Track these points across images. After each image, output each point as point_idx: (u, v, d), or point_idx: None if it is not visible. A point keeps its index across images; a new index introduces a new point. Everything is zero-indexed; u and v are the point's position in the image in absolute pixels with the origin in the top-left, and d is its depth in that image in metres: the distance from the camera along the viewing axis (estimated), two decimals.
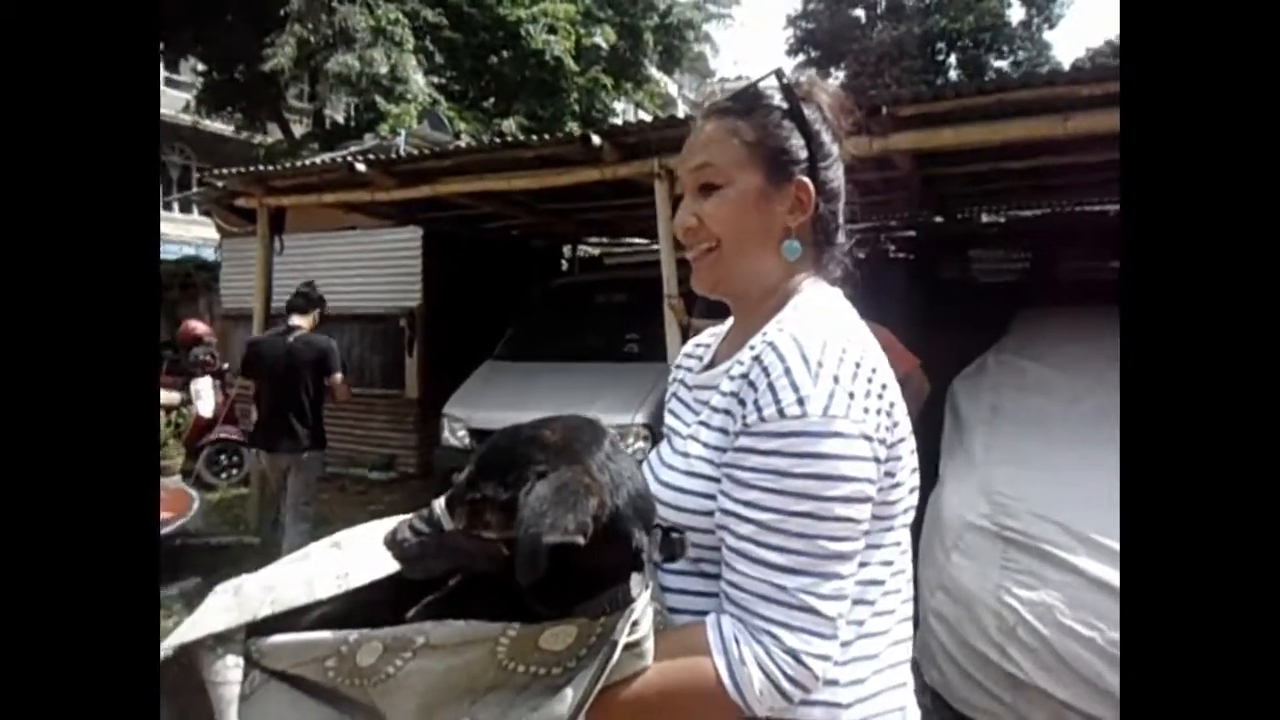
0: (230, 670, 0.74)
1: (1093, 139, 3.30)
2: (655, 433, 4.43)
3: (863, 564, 0.78)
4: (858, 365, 0.77)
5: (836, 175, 0.91)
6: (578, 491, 0.69)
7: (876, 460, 0.76)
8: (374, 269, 7.31)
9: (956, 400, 3.53)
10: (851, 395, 0.75)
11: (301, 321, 4.18)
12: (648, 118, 4.79)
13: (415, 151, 5.03)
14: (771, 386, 0.76)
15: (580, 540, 0.66)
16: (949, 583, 2.57)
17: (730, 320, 0.98)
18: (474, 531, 0.73)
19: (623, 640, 0.72)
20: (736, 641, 0.74)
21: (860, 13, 22.41)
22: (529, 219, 6.31)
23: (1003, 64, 21.07)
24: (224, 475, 6.80)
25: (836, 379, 0.75)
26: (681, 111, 15.22)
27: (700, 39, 17.76)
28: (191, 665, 0.75)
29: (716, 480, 0.81)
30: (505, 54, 13.68)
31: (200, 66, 14.03)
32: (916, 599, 1.14)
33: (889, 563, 0.83)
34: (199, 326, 7.80)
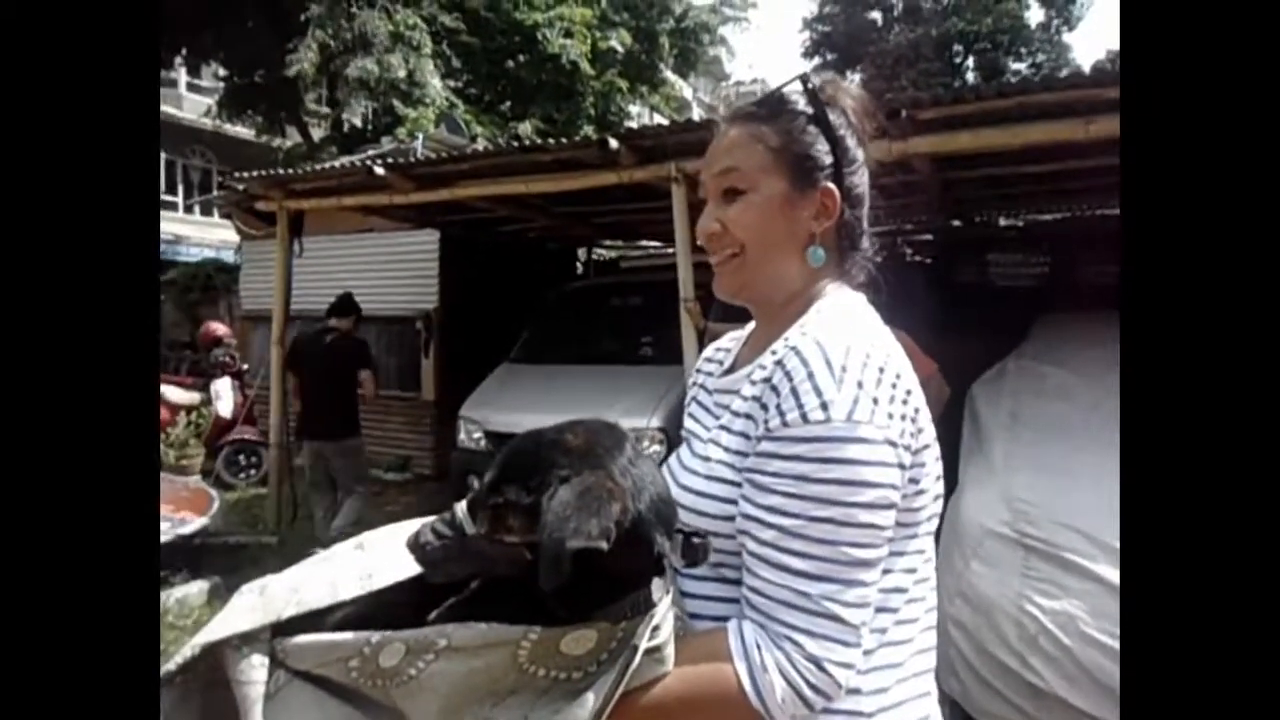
0: (255, 670, 0.74)
1: (1116, 142, 3.26)
2: (671, 436, 4.42)
3: (886, 571, 0.78)
4: (882, 370, 0.77)
5: (861, 181, 0.90)
6: (601, 496, 0.69)
7: (901, 466, 0.76)
8: (391, 271, 7.37)
9: (976, 406, 3.49)
10: (876, 400, 0.75)
11: (340, 324, 4.65)
12: (663, 121, 4.80)
13: (433, 155, 5.06)
14: (795, 391, 0.76)
15: (604, 545, 0.66)
16: (968, 590, 2.55)
17: (751, 324, 0.98)
18: (496, 536, 0.73)
19: (644, 645, 0.72)
20: (758, 648, 0.74)
21: (877, 15, 22.31)
22: (545, 222, 6.33)
23: (1021, 66, 20.89)
24: (243, 475, 6.87)
25: (860, 384, 0.75)
26: (697, 115, 15.23)
27: (716, 42, 17.76)
28: (218, 664, 0.76)
29: (737, 485, 0.80)
30: (522, 58, 13.75)
31: (222, 71, 14.20)
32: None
33: (912, 570, 0.82)
34: (219, 328, 7.89)
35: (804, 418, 0.74)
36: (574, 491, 0.69)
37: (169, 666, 0.77)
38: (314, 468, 4.64)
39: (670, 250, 5.46)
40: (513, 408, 5.03)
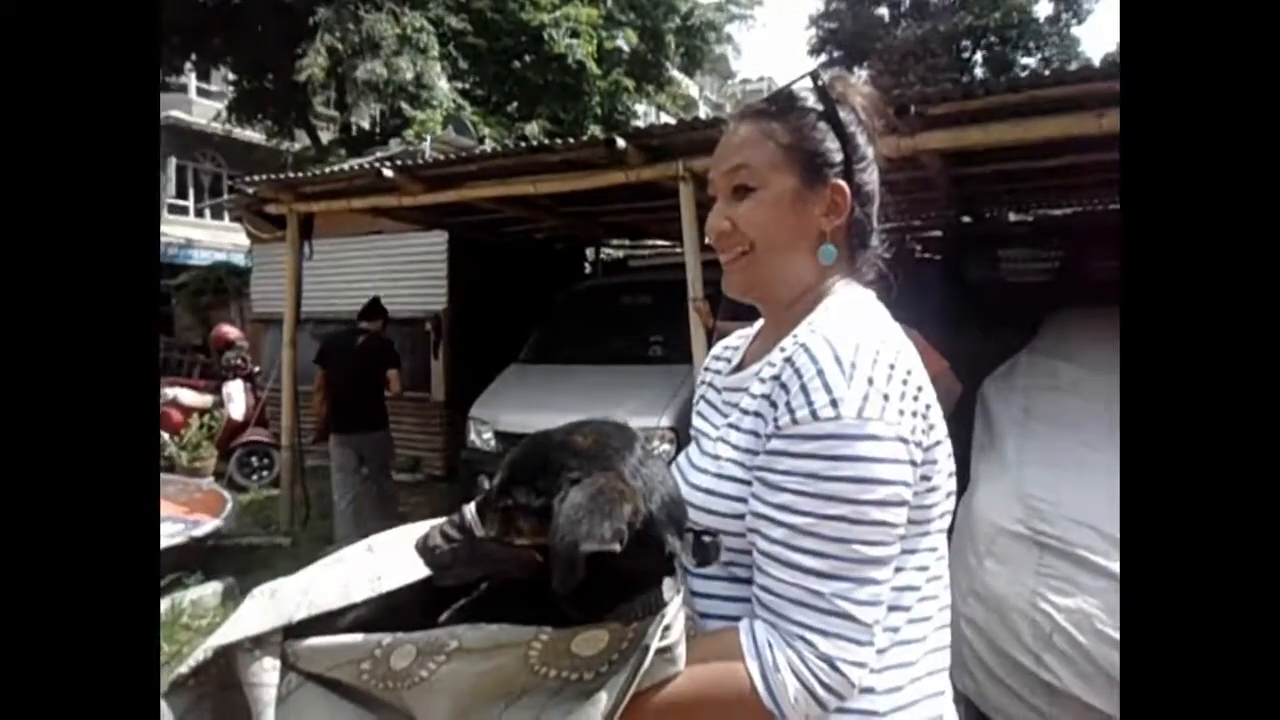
0: (267, 672, 0.74)
1: None
2: (681, 436, 4.42)
3: (899, 569, 0.77)
4: (892, 367, 0.76)
5: (872, 178, 0.90)
6: (613, 499, 0.69)
7: (912, 463, 0.75)
8: (400, 273, 7.39)
9: (988, 402, 3.47)
10: (886, 397, 0.74)
11: (370, 326, 4.98)
12: (670, 120, 4.80)
13: (441, 157, 5.08)
14: (804, 388, 0.75)
15: (617, 548, 0.66)
16: (982, 588, 2.53)
17: (760, 322, 0.97)
18: (506, 538, 0.73)
19: (655, 645, 0.72)
20: (770, 647, 0.73)
21: (884, 11, 22.21)
22: (553, 223, 6.34)
23: (1030, 61, 20.75)
24: (255, 477, 6.92)
25: (871, 380, 0.74)
26: (704, 113, 15.20)
27: (722, 40, 17.73)
28: (230, 667, 0.76)
29: (747, 483, 0.80)
30: (528, 58, 13.78)
31: (231, 76, 14.29)
32: None
33: (925, 568, 0.81)
34: (230, 331, 7.94)
35: (814, 415, 0.74)
36: (585, 493, 0.69)
37: (181, 669, 0.77)
38: (343, 460, 4.84)
39: (678, 249, 5.46)
40: (522, 408, 5.04)
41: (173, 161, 18.48)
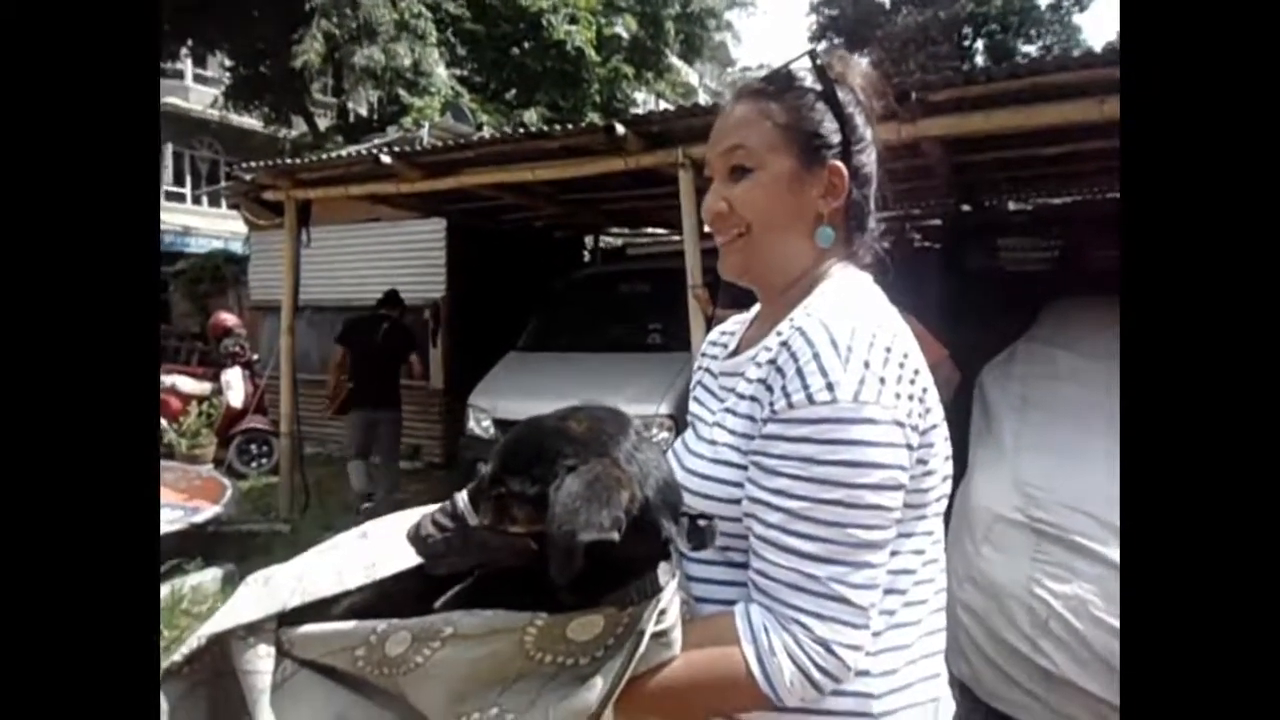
0: (262, 660, 0.74)
1: None
2: (680, 423, 4.42)
3: (894, 553, 0.77)
4: (888, 350, 0.76)
5: (869, 160, 0.89)
6: (610, 486, 0.68)
7: (909, 447, 0.75)
8: (399, 261, 7.37)
9: (985, 390, 3.47)
10: (883, 380, 0.74)
11: (391, 312, 5.42)
12: (669, 107, 4.77)
13: (440, 143, 5.05)
14: (800, 372, 0.75)
15: (615, 537, 0.66)
16: (978, 575, 2.54)
17: (756, 307, 0.97)
18: (500, 526, 0.73)
19: (650, 629, 0.72)
20: (766, 631, 0.73)
21: None
22: (552, 210, 6.31)
23: (1031, 49, 20.62)
24: (254, 464, 6.93)
25: (867, 364, 0.74)
26: (703, 101, 15.11)
27: (722, 27, 17.65)
28: (224, 654, 0.76)
29: (743, 468, 0.79)
30: (527, 45, 13.70)
31: (228, 62, 14.20)
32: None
33: (921, 551, 0.81)
34: (229, 318, 7.93)
35: (810, 399, 0.73)
36: (582, 481, 0.68)
37: (175, 657, 0.77)
38: (358, 434, 5.29)
39: (677, 237, 5.45)
40: (521, 395, 5.04)
41: (170, 148, 18.40)
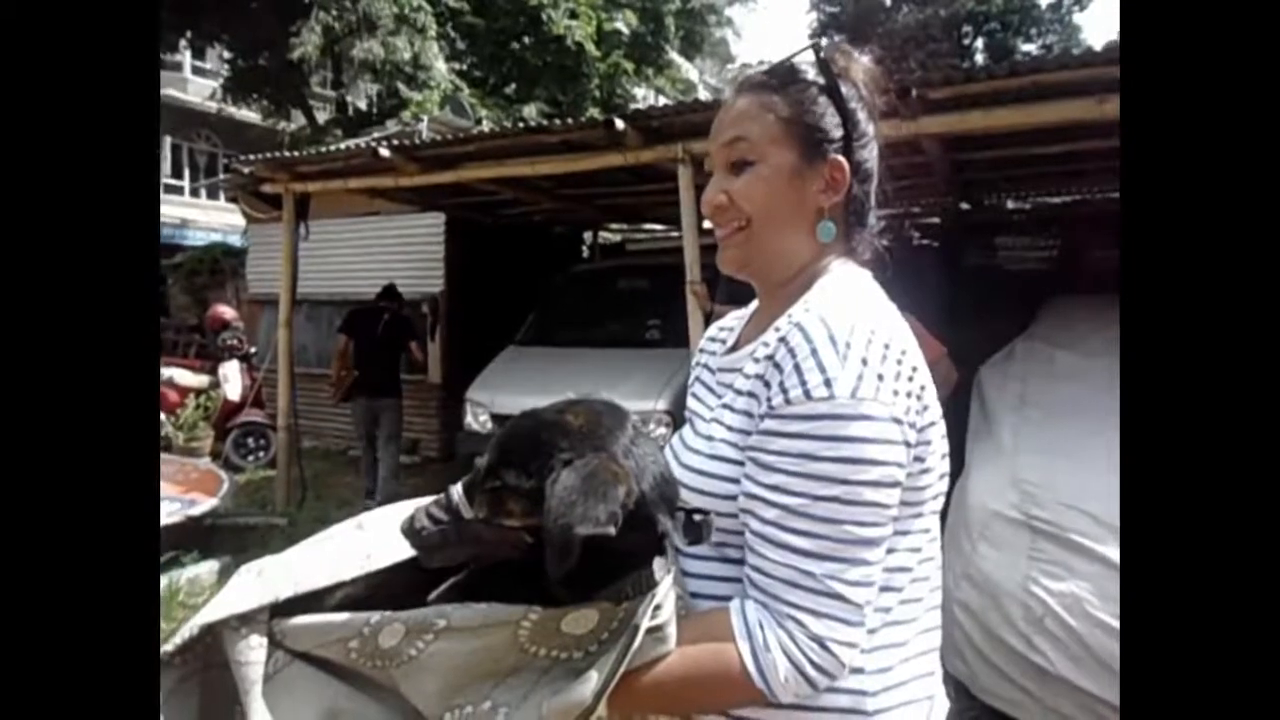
0: (254, 650, 0.74)
1: None
2: (677, 419, 4.42)
3: (890, 550, 0.77)
4: (887, 347, 0.75)
5: (871, 155, 0.88)
6: (607, 480, 0.68)
7: (906, 444, 0.75)
8: (397, 254, 7.36)
9: (984, 388, 3.47)
10: (880, 377, 0.73)
11: (390, 305, 5.55)
12: (669, 103, 4.76)
13: (439, 137, 5.04)
14: (798, 368, 0.75)
15: (612, 531, 0.66)
16: (975, 573, 2.54)
17: (755, 303, 0.96)
18: (496, 520, 0.72)
19: (645, 624, 0.71)
20: (761, 627, 0.73)
21: None
22: (551, 205, 6.30)
23: (1031, 48, 20.59)
24: (251, 457, 6.92)
25: (865, 361, 0.73)
26: (703, 97, 15.08)
27: (722, 23, 17.60)
28: (216, 645, 0.76)
29: (740, 464, 0.79)
30: (526, 39, 13.65)
31: (226, 54, 14.14)
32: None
33: (917, 549, 0.81)
34: (226, 311, 7.91)
35: (807, 395, 0.73)
36: (579, 475, 0.68)
37: (167, 647, 0.77)
38: (362, 419, 5.49)
39: (676, 233, 5.44)
40: (519, 390, 5.03)
41: (168, 140, 18.34)
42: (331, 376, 5.76)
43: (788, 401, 0.74)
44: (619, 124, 4.02)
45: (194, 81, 18.29)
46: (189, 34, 13.29)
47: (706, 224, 0.91)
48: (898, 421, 0.73)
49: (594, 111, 12.56)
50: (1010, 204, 6.73)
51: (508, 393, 5.13)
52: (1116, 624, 2.21)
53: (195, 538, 4.22)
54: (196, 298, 10.48)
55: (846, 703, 0.77)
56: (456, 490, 0.74)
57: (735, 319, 1.01)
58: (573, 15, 13.30)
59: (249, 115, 15.58)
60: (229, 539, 4.55)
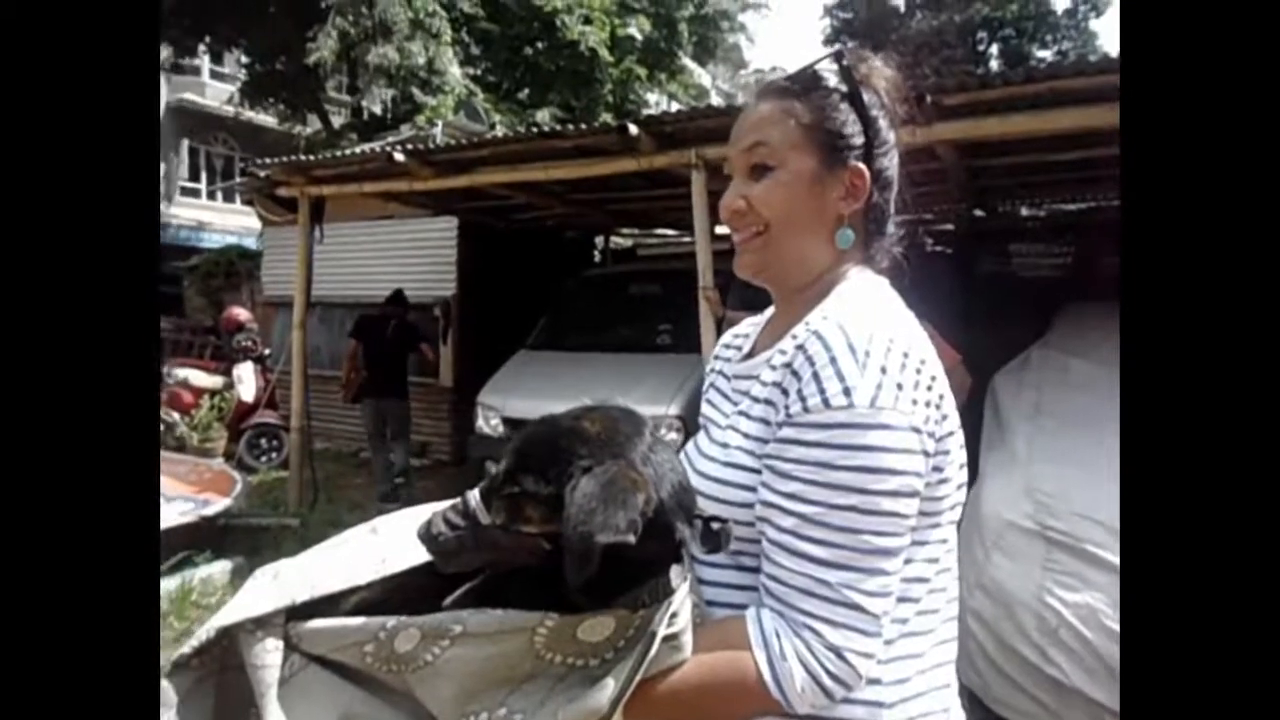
0: (270, 654, 0.74)
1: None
2: (689, 425, 4.41)
3: (908, 560, 0.76)
4: (906, 356, 0.75)
5: (891, 163, 0.88)
6: (626, 488, 0.68)
7: (925, 454, 0.74)
8: (410, 258, 7.40)
9: (998, 396, 3.45)
10: (900, 386, 0.73)
11: (398, 311, 5.81)
12: (682, 108, 4.77)
13: (453, 142, 5.06)
14: (816, 376, 0.74)
15: (632, 539, 0.65)
16: (988, 583, 2.52)
17: (770, 309, 0.96)
18: (513, 526, 0.72)
19: (662, 632, 0.71)
20: (778, 636, 0.73)
21: (899, 1, 21.96)
22: (563, 210, 6.32)
23: (1047, 54, 20.47)
24: (264, 458, 6.96)
25: (884, 369, 0.73)
26: (716, 103, 15.09)
27: (735, 29, 17.61)
28: (232, 648, 0.76)
29: (756, 472, 0.79)
30: (540, 45, 13.71)
31: (244, 59, 14.29)
32: None
33: (935, 560, 0.80)
34: (241, 313, 7.96)
35: (826, 403, 0.73)
36: (598, 483, 0.68)
37: (184, 649, 0.77)
38: (371, 419, 5.79)
39: (688, 238, 5.44)
40: (530, 394, 5.04)
41: (185, 144, 18.53)
42: (342, 378, 6.03)
43: (806, 410, 0.74)
44: (632, 129, 4.02)
45: (212, 86, 18.47)
46: (207, 39, 13.44)
47: (719, 229, 0.90)
48: (917, 431, 0.73)
49: (607, 116, 12.59)
50: (1025, 211, 6.70)
51: (519, 397, 5.13)
52: None
53: (208, 538, 4.25)
54: (212, 299, 10.57)
55: (863, 714, 0.76)
56: (474, 495, 0.74)
57: (751, 325, 1.01)
58: (586, 21, 13.35)
59: (266, 119, 15.72)
60: (242, 539, 4.57)
